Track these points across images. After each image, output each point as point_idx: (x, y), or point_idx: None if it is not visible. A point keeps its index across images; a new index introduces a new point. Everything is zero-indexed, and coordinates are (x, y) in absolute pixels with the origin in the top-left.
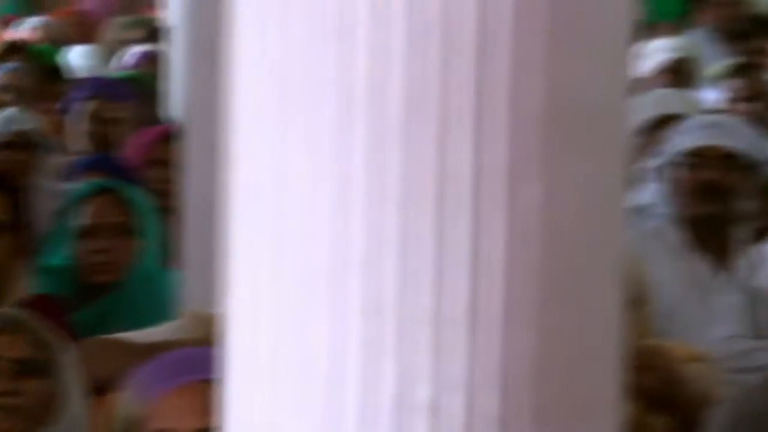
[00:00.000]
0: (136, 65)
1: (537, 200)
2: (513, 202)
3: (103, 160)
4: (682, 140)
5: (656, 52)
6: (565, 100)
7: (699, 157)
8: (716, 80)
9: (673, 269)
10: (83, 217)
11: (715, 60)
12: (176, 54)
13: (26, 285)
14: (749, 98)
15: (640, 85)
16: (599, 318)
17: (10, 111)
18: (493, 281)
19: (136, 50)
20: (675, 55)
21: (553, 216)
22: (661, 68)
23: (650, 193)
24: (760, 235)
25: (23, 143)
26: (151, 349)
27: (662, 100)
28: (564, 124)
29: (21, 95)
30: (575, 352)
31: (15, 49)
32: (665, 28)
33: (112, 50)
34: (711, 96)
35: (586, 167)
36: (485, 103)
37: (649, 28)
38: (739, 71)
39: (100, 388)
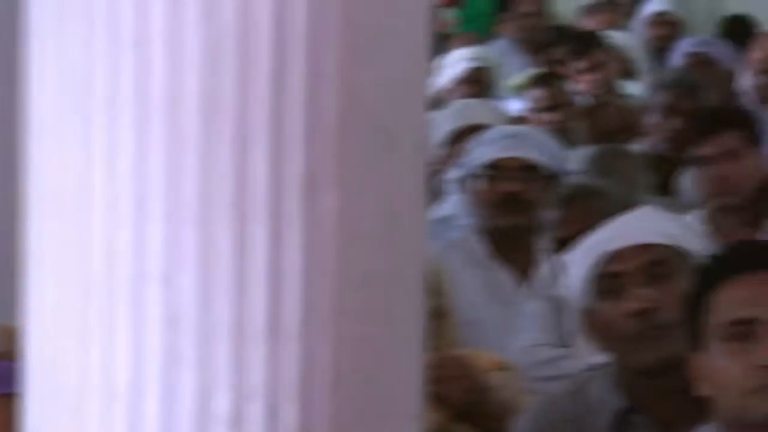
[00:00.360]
0: None
1: (333, 211)
2: (309, 212)
3: None
4: (481, 152)
5: (455, 63)
6: (360, 112)
7: (498, 169)
8: (518, 90)
9: (476, 280)
10: None
11: (519, 70)
12: None
13: None
14: (550, 108)
15: (442, 96)
16: (400, 328)
17: None
18: (291, 292)
19: None
20: (473, 65)
21: (349, 226)
22: (460, 78)
23: (453, 205)
24: (560, 245)
25: None
26: None
27: (465, 110)
28: (360, 135)
29: None
30: (375, 362)
31: None
32: (468, 38)
33: None
34: (514, 106)
35: (383, 178)
36: (281, 114)
37: (453, 38)
38: (540, 81)
39: None
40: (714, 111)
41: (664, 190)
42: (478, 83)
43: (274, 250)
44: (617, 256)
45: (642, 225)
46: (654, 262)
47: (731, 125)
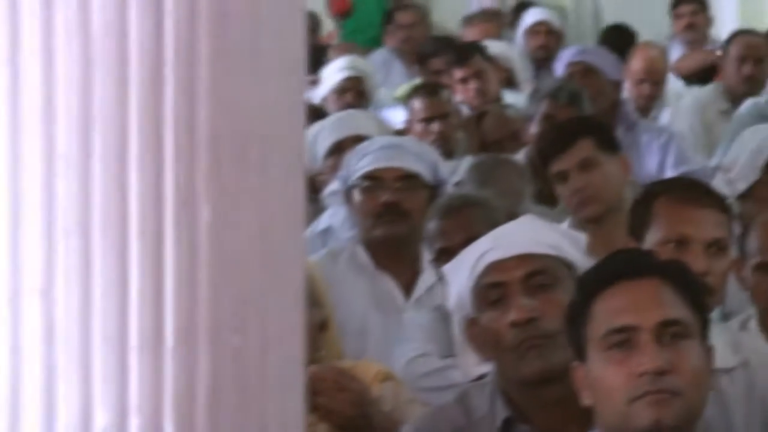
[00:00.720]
0: None
1: (209, 225)
2: (185, 226)
3: None
4: (361, 163)
5: (331, 74)
6: (234, 127)
7: (377, 180)
8: (400, 101)
9: (361, 290)
10: None
11: (401, 80)
12: None
13: None
14: (431, 118)
15: (323, 107)
16: (279, 340)
17: None
18: (169, 305)
19: None
20: (348, 74)
21: (225, 240)
22: (336, 88)
23: (336, 216)
24: (443, 256)
25: None
26: None
27: (346, 121)
28: (234, 150)
29: None
30: (255, 374)
31: None
32: (348, 47)
33: None
34: (396, 117)
35: (259, 191)
36: (156, 130)
37: (336, 48)
38: (421, 92)
39: None
40: (564, 124)
41: (546, 199)
42: (354, 92)
43: (151, 264)
44: (498, 266)
45: (522, 235)
46: (535, 272)
47: (583, 135)
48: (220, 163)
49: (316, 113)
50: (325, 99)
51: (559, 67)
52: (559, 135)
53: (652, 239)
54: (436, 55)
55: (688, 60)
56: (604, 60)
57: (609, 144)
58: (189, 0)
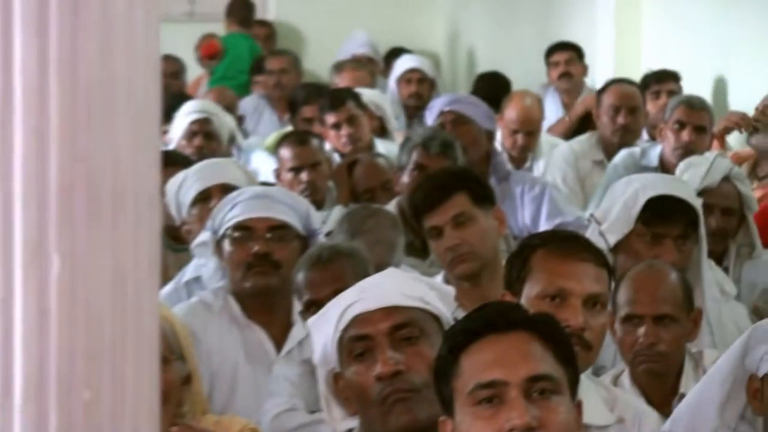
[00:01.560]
0: None
1: (59, 277)
2: (35, 279)
3: None
4: (231, 213)
5: (179, 120)
6: (86, 177)
7: (247, 230)
8: (270, 150)
9: (233, 342)
10: None
11: (271, 127)
12: None
13: None
14: (300, 168)
15: (178, 152)
16: (134, 395)
17: None
18: (19, 359)
19: None
20: (194, 118)
21: (76, 292)
22: (185, 134)
23: (206, 267)
24: (312, 308)
25: None
26: None
27: (212, 169)
28: (86, 200)
29: None
30: (107, 431)
31: None
32: (220, 93)
33: None
34: (266, 166)
35: (112, 242)
36: (5, 179)
37: (208, 93)
38: (290, 140)
39: None
40: (438, 177)
41: (418, 251)
42: (202, 135)
43: (1, 317)
44: (364, 319)
45: (389, 287)
46: (401, 324)
47: (458, 190)
48: (72, 214)
49: (185, 160)
50: (178, 146)
51: (430, 116)
52: (433, 189)
53: (529, 293)
54: (308, 102)
55: (559, 126)
56: (476, 109)
57: (484, 197)
58: (39, 46)
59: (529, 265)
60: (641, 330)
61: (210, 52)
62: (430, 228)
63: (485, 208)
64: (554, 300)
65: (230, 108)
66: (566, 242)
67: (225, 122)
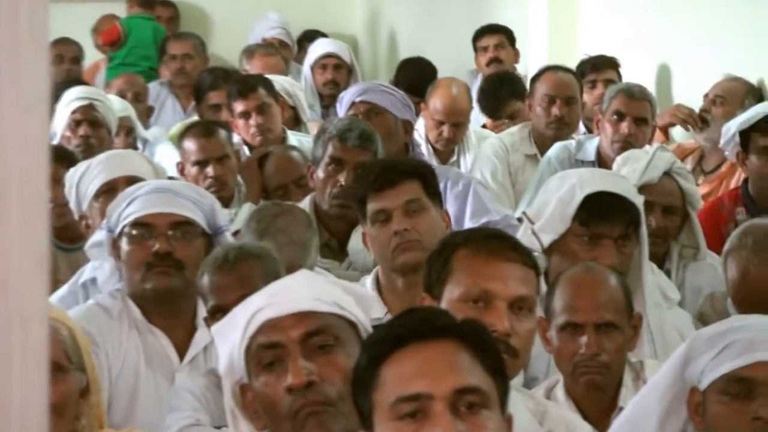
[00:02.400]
0: None
1: None
2: None
3: None
4: (129, 209)
5: (61, 109)
6: None
7: (148, 227)
8: (172, 141)
9: (133, 347)
10: None
11: (175, 118)
12: None
13: None
14: (205, 161)
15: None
16: (20, 407)
17: None
18: None
19: None
20: (77, 106)
21: None
22: (69, 123)
23: (101, 268)
24: (216, 314)
25: None
26: None
27: (118, 160)
28: None
29: None
30: None
31: None
32: (127, 79)
33: None
34: (170, 158)
35: None
36: None
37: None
38: (194, 131)
39: None
40: (392, 162)
41: (334, 251)
42: (87, 122)
43: None
44: (274, 325)
45: (301, 291)
46: (314, 331)
47: (412, 177)
48: None
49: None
50: (62, 138)
51: (341, 108)
52: (387, 170)
53: (450, 296)
54: (214, 88)
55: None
56: (391, 98)
57: (436, 193)
58: None
59: (450, 266)
60: (582, 339)
61: (111, 38)
62: (377, 211)
63: (436, 205)
64: (477, 303)
65: (139, 97)
66: (490, 240)
67: (111, 108)
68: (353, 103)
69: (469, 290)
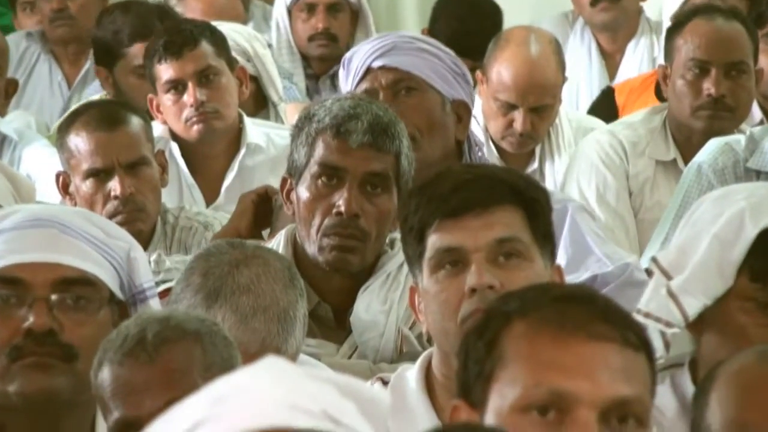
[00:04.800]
0: None
1: None
2: None
3: None
4: None
5: None
6: None
7: (16, 287)
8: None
9: None
10: None
11: (50, 96)
12: None
13: None
14: (103, 171)
15: None
16: None
17: None
18: None
19: None
20: None
21: None
22: None
23: None
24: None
25: None
26: None
27: None
28: None
29: None
30: None
31: None
32: None
33: None
34: (45, 168)
35: None
36: None
37: None
38: (85, 120)
39: None
40: (474, 177)
41: (326, 323)
42: None
43: None
44: None
45: (269, 394)
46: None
47: (508, 202)
48: None
49: None
50: None
51: (347, 78)
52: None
53: (500, 403)
54: (143, 37)
55: None
56: (435, 63)
57: (545, 232)
58: None
59: (498, 351)
60: None
61: None
62: (444, 250)
63: (544, 252)
64: (547, 413)
65: None
66: (566, 306)
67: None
68: (369, 70)
69: (530, 392)
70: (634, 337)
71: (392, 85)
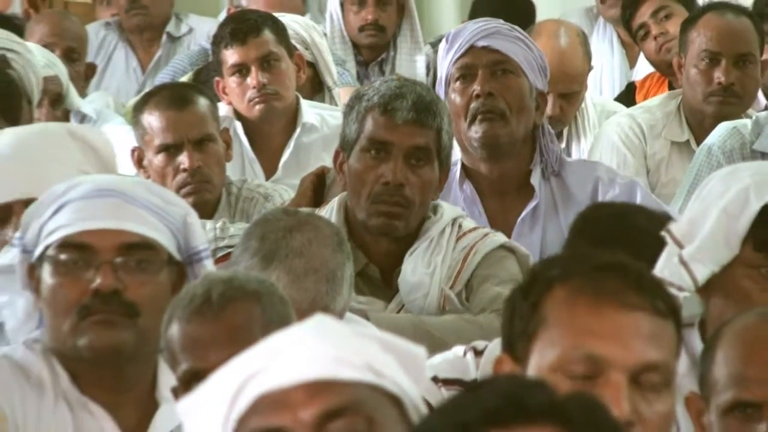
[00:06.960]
0: None
1: None
2: None
3: None
4: (54, 220)
5: None
6: None
7: (83, 251)
8: (130, 116)
9: (58, 430)
10: None
11: (129, 75)
12: None
13: None
14: (174, 146)
15: None
16: None
17: None
18: None
19: None
20: None
21: None
22: None
23: (15, 306)
24: (191, 381)
25: None
26: None
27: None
28: None
29: None
30: None
31: None
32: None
33: None
34: (123, 144)
35: None
36: None
37: None
38: (158, 100)
39: None
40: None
41: (374, 283)
42: None
43: None
44: (276, 400)
45: (316, 348)
46: (335, 411)
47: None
48: None
49: None
50: None
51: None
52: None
53: (539, 361)
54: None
55: None
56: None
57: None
58: None
59: (540, 313)
60: (761, 427)
61: None
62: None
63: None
64: (581, 375)
65: (75, 52)
66: (603, 274)
67: (33, 63)
68: (471, 48)
69: (567, 354)
70: (663, 305)
71: (492, 65)
